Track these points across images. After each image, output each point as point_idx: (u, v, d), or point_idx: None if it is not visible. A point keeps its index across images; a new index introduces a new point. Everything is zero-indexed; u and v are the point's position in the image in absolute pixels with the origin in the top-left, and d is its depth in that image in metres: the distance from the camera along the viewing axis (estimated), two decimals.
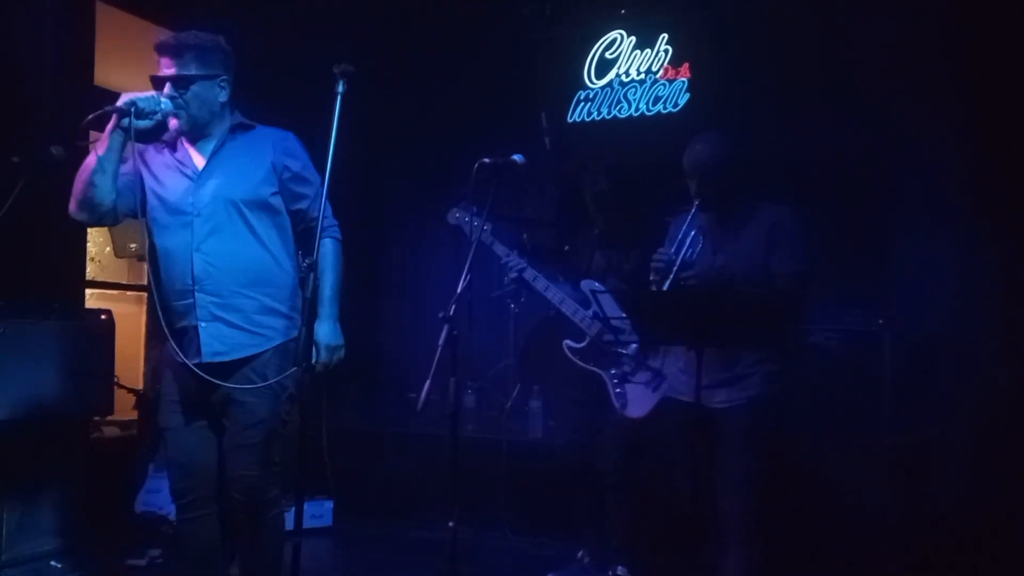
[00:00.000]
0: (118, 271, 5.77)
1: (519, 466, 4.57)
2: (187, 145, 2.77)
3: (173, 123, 2.69)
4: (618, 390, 3.55)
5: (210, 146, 2.76)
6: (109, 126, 2.60)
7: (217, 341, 2.68)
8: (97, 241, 5.51)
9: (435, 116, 5.98)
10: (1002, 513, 3.58)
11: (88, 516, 4.00)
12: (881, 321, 4.00)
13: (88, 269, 5.03)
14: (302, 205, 2.85)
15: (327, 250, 2.85)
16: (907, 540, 3.68)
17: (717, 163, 3.06)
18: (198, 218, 2.68)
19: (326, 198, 2.71)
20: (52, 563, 3.81)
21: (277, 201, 2.80)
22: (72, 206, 2.68)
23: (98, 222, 2.77)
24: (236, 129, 2.80)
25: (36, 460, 3.81)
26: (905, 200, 4.41)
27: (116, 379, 4.14)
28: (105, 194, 2.64)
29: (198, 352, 2.68)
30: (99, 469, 4.13)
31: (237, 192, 2.71)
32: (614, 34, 5.67)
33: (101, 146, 2.60)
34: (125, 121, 2.57)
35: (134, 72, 5.10)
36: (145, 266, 5.49)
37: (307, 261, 2.49)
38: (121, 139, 2.60)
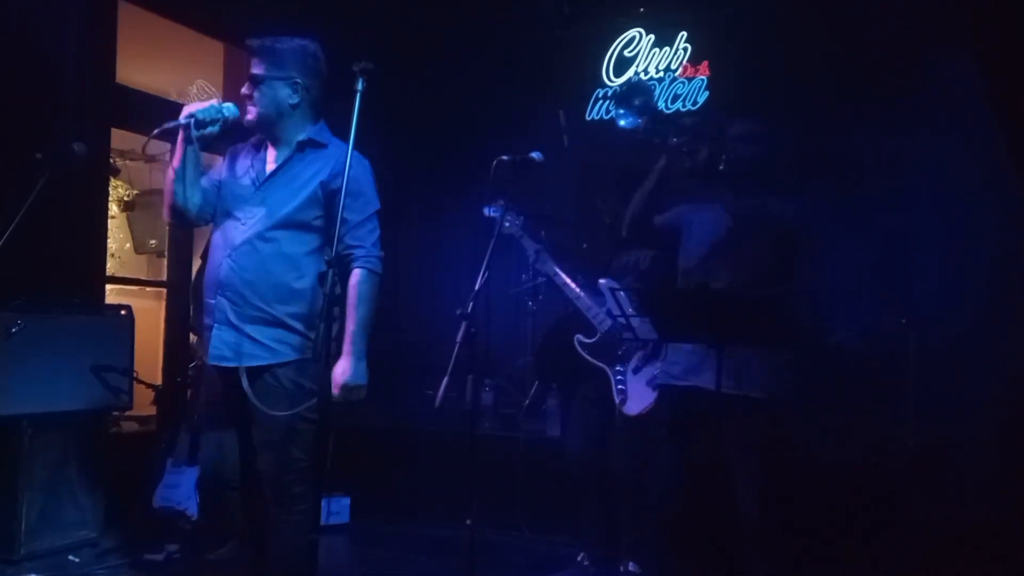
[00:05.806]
0: (138, 267, 5.82)
1: (536, 464, 4.55)
2: (269, 149, 2.83)
3: (249, 117, 2.77)
4: (620, 387, 3.59)
5: (282, 155, 2.79)
6: (179, 140, 2.72)
7: (224, 346, 2.69)
8: (117, 237, 5.55)
9: (454, 114, 5.98)
10: None
11: (106, 511, 4.03)
12: (904, 320, 3.97)
13: (108, 265, 5.06)
14: (340, 229, 2.61)
15: (357, 281, 2.70)
16: (933, 540, 3.64)
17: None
18: (242, 227, 2.72)
19: (374, 225, 2.74)
20: (70, 557, 3.83)
21: (320, 223, 2.73)
22: (164, 212, 2.84)
23: (190, 225, 2.98)
24: (306, 145, 2.77)
25: (55, 455, 3.84)
26: (928, 198, 4.37)
27: (135, 374, 4.15)
28: (186, 200, 2.76)
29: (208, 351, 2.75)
30: (118, 464, 4.15)
31: (280, 212, 2.71)
32: (633, 32, 5.67)
33: (175, 159, 2.74)
34: (195, 132, 2.70)
35: (155, 70, 5.16)
36: (164, 262, 5.60)
37: (327, 258, 2.43)
38: (193, 150, 2.73)
